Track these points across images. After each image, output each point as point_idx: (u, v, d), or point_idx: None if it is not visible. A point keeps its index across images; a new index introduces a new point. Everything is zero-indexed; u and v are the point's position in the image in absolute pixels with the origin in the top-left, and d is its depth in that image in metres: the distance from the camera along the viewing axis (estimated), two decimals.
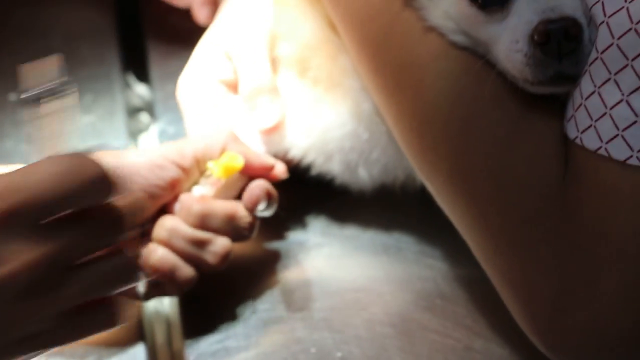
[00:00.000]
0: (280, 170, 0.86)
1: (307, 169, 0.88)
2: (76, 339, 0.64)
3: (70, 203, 0.61)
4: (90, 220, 0.62)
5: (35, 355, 0.63)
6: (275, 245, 0.87)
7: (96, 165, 0.61)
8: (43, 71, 0.66)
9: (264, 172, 0.84)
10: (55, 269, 0.60)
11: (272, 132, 0.87)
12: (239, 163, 0.82)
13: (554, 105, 0.69)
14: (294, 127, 0.87)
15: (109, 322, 0.64)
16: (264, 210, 0.82)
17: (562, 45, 0.66)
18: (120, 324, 0.64)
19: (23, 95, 0.66)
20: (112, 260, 0.63)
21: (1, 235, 0.59)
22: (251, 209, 0.81)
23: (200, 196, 0.81)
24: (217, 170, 0.81)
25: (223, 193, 0.82)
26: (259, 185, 0.82)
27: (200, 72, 0.91)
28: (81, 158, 0.61)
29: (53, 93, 0.65)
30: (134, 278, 0.64)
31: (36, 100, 0.66)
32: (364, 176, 0.86)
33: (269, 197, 0.82)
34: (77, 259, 0.62)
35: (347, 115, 0.85)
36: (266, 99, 0.87)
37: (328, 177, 0.88)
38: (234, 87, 0.91)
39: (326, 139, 0.85)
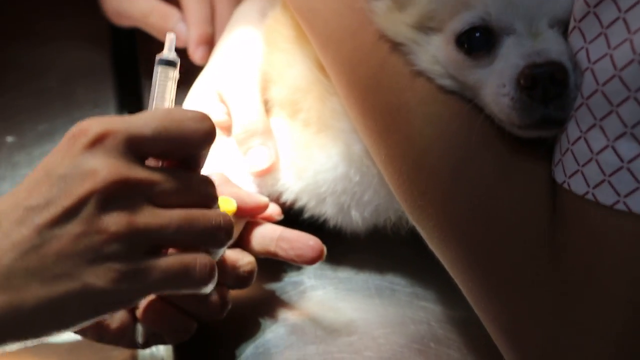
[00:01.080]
0: (275, 211, 0.86)
1: (301, 211, 0.88)
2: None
3: (173, 141, 0.68)
4: (187, 175, 0.70)
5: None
6: (269, 287, 0.87)
7: (200, 112, 0.70)
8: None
9: (258, 212, 0.84)
10: (143, 197, 0.66)
11: (264, 174, 0.87)
12: (231, 207, 0.81)
13: (541, 149, 0.69)
14: (286, 170, 0.87)
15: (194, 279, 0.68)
16: None
17: (548, 89, 0.66)
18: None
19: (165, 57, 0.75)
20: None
21: (102, 152, 0.65)
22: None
23: None
24: None
25: None
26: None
27: None
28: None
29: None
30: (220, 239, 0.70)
31: (173, 64, 0.75)
32: (356, 218, 0.86)
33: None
34: (163, 201, 0.67)
35: (338, 158, 0.85)
36: (259, 141, 0.87)
37: (321, 219, 0.87)
38: (226, 129, 0.91)
39: (318, 181, 0.85)
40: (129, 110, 1.13)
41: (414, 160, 0.73)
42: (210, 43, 1.09)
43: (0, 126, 1.11)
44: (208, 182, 0.71)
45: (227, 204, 0.81)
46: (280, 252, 0.83)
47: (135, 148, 0.66)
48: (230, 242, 0.72)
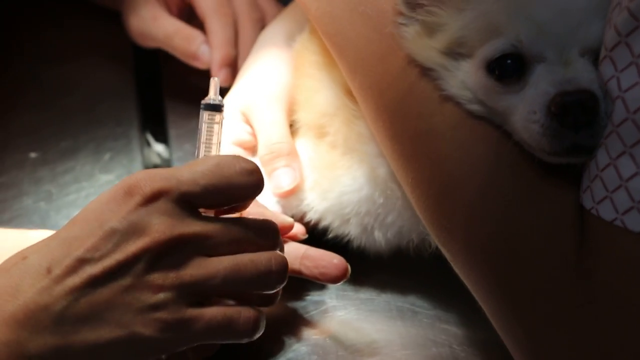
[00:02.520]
0: (300, 231, 0.87)
1: (325, 231, 0.89)
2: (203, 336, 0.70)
3: (223, 195, 0.72)
4: (241, 223, 0.73)
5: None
6: (291, 305, 0.87)
7: (248, 163, 0.73)
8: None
9: (284, 232, 0.85)
10: (193, 251, 0.69)
11: (288, 195, 0.88)
12: None
13: (570, 175, 0.70)
14: (311, 191, 0.88)
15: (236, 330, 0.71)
16: None
17: (579, 117, 0.67)
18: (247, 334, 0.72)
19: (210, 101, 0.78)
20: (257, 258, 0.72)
21: (156, 210, 0.69)
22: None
23: None
24: None
25: None
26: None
27: None
28: (237, 157, 0.73)
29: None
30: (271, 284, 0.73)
31: (218, 108, 0.77)
32: (379, 239, 0.87)
33: None
34: (214, 252, 0.70)
35: (363, 180, 0.86)
36: (283, 163, 0.88)
37: (345, 239, 0.88)
38: (250, 149, 0.92)
39: (342, 202, 0.86)
40: (151, 130, 1.14)
41: (441, 184, 0.74)
42: (233, 65, 1.10)
43: (23, 142, 1.11)
44: (263, 229, 0.74)
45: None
46: (305, 270, 0.84)
47: (187, 204, 0.70)
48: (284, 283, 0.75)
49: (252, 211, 0.83)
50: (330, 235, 0.88)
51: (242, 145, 0.92)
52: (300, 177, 0.88)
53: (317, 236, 0.89)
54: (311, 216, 0.88)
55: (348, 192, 0.86)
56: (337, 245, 0.89)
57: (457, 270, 0.76)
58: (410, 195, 0.78)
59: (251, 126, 0.92)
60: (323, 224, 0.88)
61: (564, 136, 0.67)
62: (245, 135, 0.92)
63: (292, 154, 0.88)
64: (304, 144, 0.90)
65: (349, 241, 0.88)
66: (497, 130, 0.72)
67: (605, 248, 0.66)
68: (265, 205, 0.87)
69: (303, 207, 0.88)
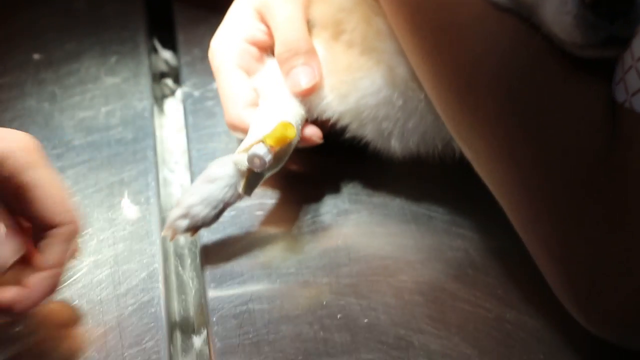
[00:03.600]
0: (316, 134, 0.84)
1: (342, 131, 0.86)
2: None
3: None
4: None
5: None
6: (303, 208, 0.85)
7: None
8: None
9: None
10: None
11: (307, 94, 0.85)
12: (291, 133, 0.80)
13: (600, 68, 0.67)
14: (328, 93, 0.85)
15: None
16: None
17: (614, 6, 0.63)
18: None
19: None
20: None
21: None
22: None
23: None
24: (270, 141, 0.78)
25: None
26: None
27: (231, 34, 0.89)
28: None
29: None
30: None
31: None
32: (395, 146, 0.84)
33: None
34: None
35: (381, 82, 0.82)
36: (302, 61, 0.84)
37: (362, 142, 0.85)
38: (264, 49, 0.89)
39: (360, 107, 0.83)
40: (158, 35, 1.11)
41: (465, 79, 0.71)
42: None
43: (27, 44, 1.09)
44: None
45: (287, 130, 0.80)
46: None
47: None
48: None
49: None
50: (348, 136, 0.86)
51: (256, 44, 0.89)
52: (319, 76, 0.84)
53: (334, 136, 0.86)
54: (329, 115, 0.85)
55: (365, 95, 0.83)
56: (354, 146, 0.86)
57: (478, 169, 0.73)
58: (431, 92, 0.75)
59: (266, 25, 0.88)
60: (341, 124, 0.85)
61: (598, 27, 0.64)
62: (259, 34, 0.89)
63: (311, 52, 0.85)
64: (318, 46, 0.87)
65: (366, 143, 0.85)
66: (525, 23, 0.68)
67: (638, 141, 0.63)
68: (290, 102, 0.84)
69: (322, 106, 0.85)
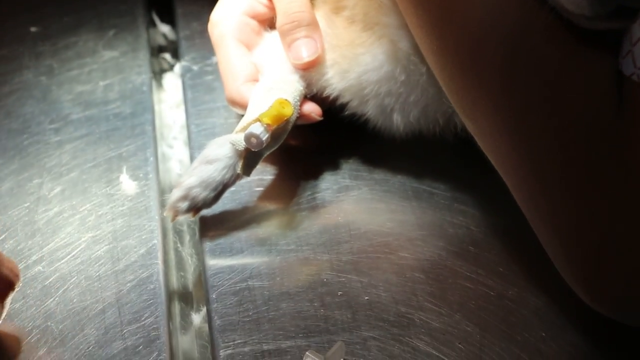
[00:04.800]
0: (315, 110, 0.83)
1: (342, 108, 0.85)
2: None
3: None
4: None
5: None
6: (302, 184, 0.84)
7: None
8: None
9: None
10: None
11: (309, 67, 0.83)
12: (288, 111, 0.79)
13: (607, 40, 0.66)
14: (330, 69, 0.84)
15: None
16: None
17: None
18: None
19: None
20: None
21: None
22: None
23: None
24: (266, 119, 0.78)
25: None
26: None
27: (231, 6, 0.88)
28: None
29: None
30: None
31: None
32: (398, 122, 0.83)
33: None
34: None
35: (383, 57, 0.81)
36: (304, 33, 0.83)
37: (362, 119, 0.84)
38: (263, 22, 0.88)
39: (362, 83, 0.82)
40: (156, 8, 1.10)
41: (470, 51, 0.69)
42: None
43: (24, 17, 1.08)
44: None
45: (284, 108, 0.79)
46: None
47: None
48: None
49: None
50: (347, 113, 0.85)
51: (255, 17, 0.88)
52: (321, 49, 0.83)
53: (333, 113, 0.85)
54: (330, 92, 0.84)
55: (368, 70, 0.82)
56: (354, 123, 0.85)
57: (482, 145, 0.72)
58: (434, 65, 0.74)
59: None
60: (341, 101, 0.84)
61: None
62: (259, 7, 0.87)
63: (313, 24, 0.84)
64: (320, 20, 0.85)
65: (366, 120, 0.84)
66: None
67: None
68: (289, 78, 0.83)
69: (323, 82, 0.84)
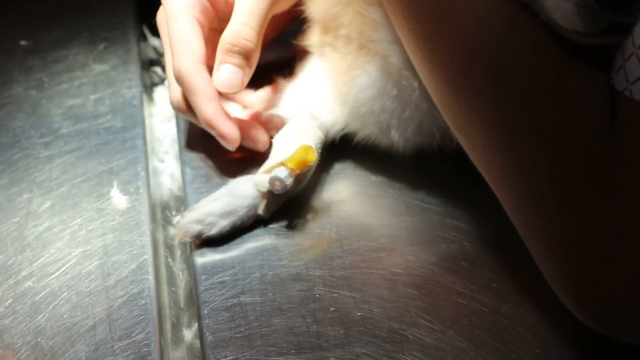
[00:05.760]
0: (263, 141, 0.87)
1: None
2: None
3: None
4: None
5: None
6: (295, 199, 0.84)
7: None
8: None
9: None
10: None
11: (223, 93, 0.85)
12: (311, 158, 0.81)
13: (599, 55, 0.66)
14: (333, 103, 0.85)
15: None
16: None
17: None
18: None
19: None
20: None
21: None
22: None
23: None
24: (291, 164, 0.79)
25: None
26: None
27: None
28: None
29: None
30: None
31: None
32: (396, 138, 0.83)
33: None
34: None
35: (376, 73, 0.82)
36: (238, 62, 0.83)
37: (369, 142, 0.86)
38: (220, 12, 0.89)
39: (358, 101, 0.83)
40: (147, 21, 1.10)
41: (462, 64, 0.69)
42: None
43: (14, 30, 1.07)
44: None
45: (308, 154, 0.80)
46: None
47: None
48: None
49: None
50: (355, 141, 0.86)
51: (214, 3, 0.88)
52: (241, 86, 0.84)
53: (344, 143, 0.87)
54: (341, 127, 0.86)
55: (363, 89, 0.82)
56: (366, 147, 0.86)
57: (474, 160, 0.72)
58: (427, 80, 0.74)
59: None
60: (349, 129, 0.86)
61: (600, 15, 0.62)
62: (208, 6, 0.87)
63: (252, 59, 0.84)
64: (320, 63, 0.87)
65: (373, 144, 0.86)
66: (524, 10, 0.67)
67: (638, 130, 0.62)
68: (309, 125, 0.85)
69: (334, 121, 0.86)
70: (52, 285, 0.76)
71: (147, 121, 0.96)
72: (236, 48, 0.83)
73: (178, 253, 0.84)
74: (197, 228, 0.79)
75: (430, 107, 0.78)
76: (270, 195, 0.80)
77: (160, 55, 1.08)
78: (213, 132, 0.83)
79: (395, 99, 0.81)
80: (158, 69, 1.06)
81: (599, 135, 0.64)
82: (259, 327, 0.73)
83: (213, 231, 0.79)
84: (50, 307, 0.75)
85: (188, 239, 0.79)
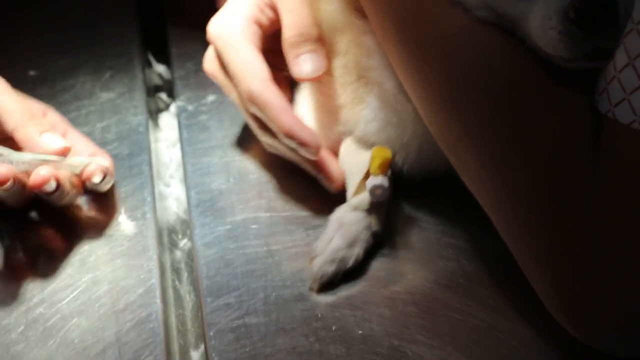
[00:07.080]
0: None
1: None
2: None
3: None
4: None
5: None
6: (296, 222, 0.86)
7: None
8: None
9: None
10: None
11: (311, 81, 0.86)
12: (389, 153, 0.82)
13: (585, 78, 0.68)
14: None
15: None
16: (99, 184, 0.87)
17: (599, 20, 0.64)
18: None
19: None
20: None
21: None
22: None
23: None
24: (378, 170, 0.81)
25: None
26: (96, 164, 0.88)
27: (235, 13, 0.89)
28: None
29: None
30: None
31: None
32: (404, 167, 0.85)
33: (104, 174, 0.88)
34: None
35: (375, 104, 0.84)
36: (310, 48, 0.85)
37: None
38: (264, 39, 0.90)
39: (367, 134, 0.85)
40: (152, 49, 1.12)
41: (452, 91, 0.72)
42: None
43: (22, 60, 1.10)
44: None
45: (383, 152, 0.82)
46: None
47: None
48: None
49: None
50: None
51: (260, 27, 0.89)
52: (325, 66, 0.85)
53: None
54: None
55: (367, 121, 0.85)
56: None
57: (466, 182, 0.74)
58: (419, 105, 0.76)
59: (273, 9, 0.88)
60: None
61: (583, 41, 0.65)
62: (263, 17, 0.88)
63: (321, 41, 0.85)
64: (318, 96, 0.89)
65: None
66: (510, 36, 0.69)
67: (621, 152, 0.64)
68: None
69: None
70: (63, 311, 0.79)
71: (152, 146, 0.98)
72: (303, 37, 0.85)
73: (185, 276, 0.87)
74: (332, 268, 0.80)
75: (427, 130, 0.80)
76: (375, 208, 0.82)
77: (165, 81, 1.10)
78: (293, 144, 0.84)
79: (395, 126, 0.84)
80: (163, 95, 1.08)
81: (584, 156, 0.66)
82: (263, 347, 0.75)
83: (350, 263, 0.81)
84: (62, 332, 0.77)
85: (326, 280, 0.80)
